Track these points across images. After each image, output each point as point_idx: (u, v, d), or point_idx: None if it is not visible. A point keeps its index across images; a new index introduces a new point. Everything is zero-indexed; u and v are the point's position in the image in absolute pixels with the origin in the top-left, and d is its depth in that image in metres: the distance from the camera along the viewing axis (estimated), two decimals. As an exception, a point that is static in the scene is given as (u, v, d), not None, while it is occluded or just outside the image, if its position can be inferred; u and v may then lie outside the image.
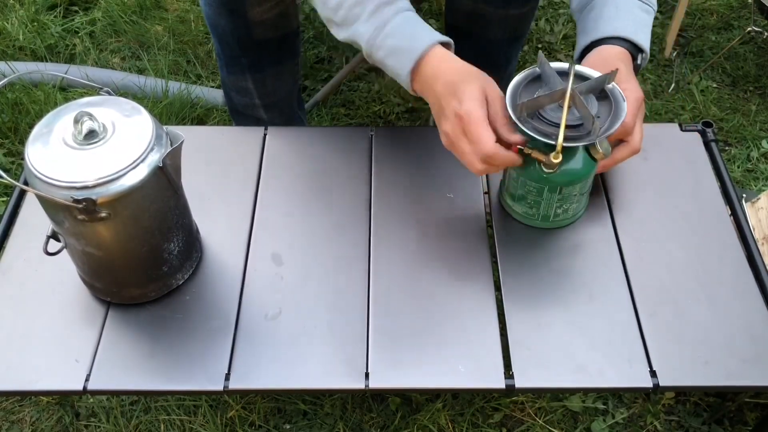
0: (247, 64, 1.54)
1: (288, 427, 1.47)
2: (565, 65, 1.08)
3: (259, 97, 1.61)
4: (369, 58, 1.13)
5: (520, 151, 1.05)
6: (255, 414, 1.48)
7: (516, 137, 1.05)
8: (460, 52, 1.66)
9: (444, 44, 1.11)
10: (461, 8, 1.57)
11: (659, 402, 1.49)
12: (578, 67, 1.08)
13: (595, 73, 1.08)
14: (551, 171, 1.05)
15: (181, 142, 0.97)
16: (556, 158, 1.01)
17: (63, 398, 1.49)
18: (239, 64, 1.54)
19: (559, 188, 1.09)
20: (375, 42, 1.10)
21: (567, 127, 1.00)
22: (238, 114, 1.69)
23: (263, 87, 1.60)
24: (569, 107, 1.02)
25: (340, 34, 1.14)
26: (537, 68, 1.09)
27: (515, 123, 1.02)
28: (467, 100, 1.03)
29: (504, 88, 1.08)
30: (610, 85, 1.07)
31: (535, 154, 1.04)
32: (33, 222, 1.17)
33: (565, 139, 1.00)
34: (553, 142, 1.00)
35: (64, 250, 1.04)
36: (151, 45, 2.25)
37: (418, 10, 2.19)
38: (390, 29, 1.09)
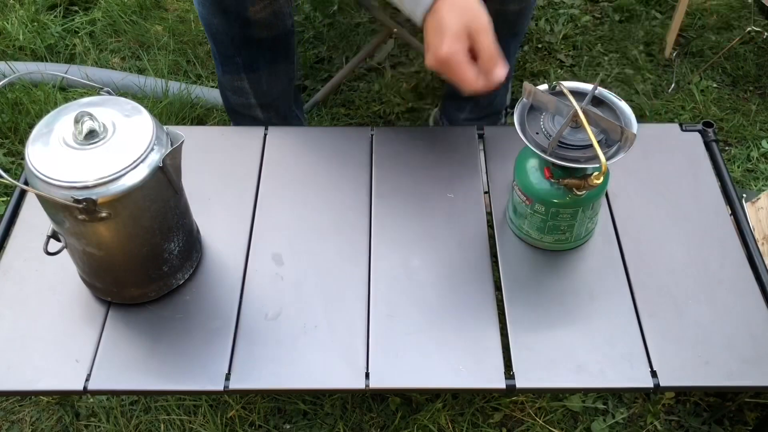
0: (242, 64, 1.54)
1: (288, 427, 1.47)
2: (546, 87, 1.08)
3: (255, 96, 1.61)
4: None
5: (539, 185, 1.05)
6: (255, 414, 1.47)
7: (503, 71, 1.05)
8: None
9: None
10: None
11: (659, 402, 1.49)
12: (564, 84, 1.07)
13: (580, 85, 1.08)
14: (585, 192, 1.04)
15: (182, 142, 0.97)
16: (598, 179, 0.99)
17: (63, 398, 1.49)
18: (234, 64, 1.54)
19: (592, 204, 1.08)
20: None
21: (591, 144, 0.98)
22: (235, 113, 1.69)
23: (259, 86, 1.60)
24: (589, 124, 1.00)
25: None
26: (526, 99, 1.08)
27: (549, 162, 1.02)
28: (447, 41, 1.04)
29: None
30: (597, 90, 1.07)
31: (571, 183, 1.03)
32: (33, 222, 1.17)
33: (605, 156, 0.98)
34: (595, 165, 0.99)
35: (65, 250, 1.04)
36: (151, 45, 2.25)
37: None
38: None
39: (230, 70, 1.56)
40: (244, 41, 1.48)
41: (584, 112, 1.00)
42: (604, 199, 1.19)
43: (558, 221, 1.09)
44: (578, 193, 1.03)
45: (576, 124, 1.02)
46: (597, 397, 1.49)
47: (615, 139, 1.02)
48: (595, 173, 1.00)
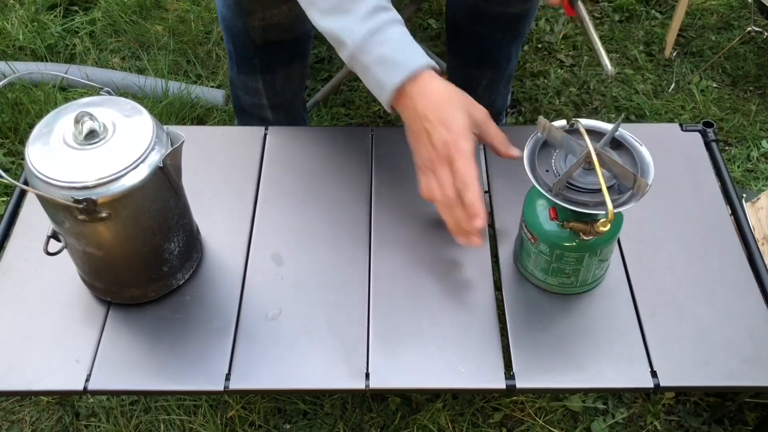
0: (259, 65, 1.54)
1: (288, 427, 1.47)
2: (563, 123, 1.02)
3: (267, 97, 1.61)
4: (351, 58, 1.07)
5: (545, 225, 1.01)
6: (255, 414, 1.48)
7: (516, 151, 1.04)
8: (462, 51, 1.67)
9: (435, 71, 1.06)
10: (462, 5, 1.57)
11: (659, 402, 1.49)
12: (584, 122, 1.00)
13: (599, 124, 1.02)
14: (592, 237, 0.99)
15: (182, 142, 0.97)
16: (604, 226, 0.93)
17: (63, 398, 1.49)
18: (251, 65, 1.54)
19: (600, 250, 1.03)
20: (366, 45, 1.04)
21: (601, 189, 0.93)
22: (243, 112, 1.69)
23: (272, 88, 1.60)
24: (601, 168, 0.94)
25: (321, 22, 1.07)
26: (540, 134, 1.02)
27: (554, 203, 0.96)
28: (455, 130, 1.01)
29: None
30: (618, 132, 1.01)
31: (576, 227, 0.98)
32: (33, 222, 1.17)
33: (613, 204, 0.92)
34: (600, 212, 0.95)
35: (65, 250, 1.04)
36: (151, 45, 2.25)
37: (418, 10, 2.19)
38: (384, 37, 1.04)
39: (246, 71, 1.56)
40: (264, 43, 1.49)
41: (598, 155, 0.94)
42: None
43: (562, 264, 1.04)
44: (585, 238, 0.99)
45: (589, 166, 0.96)
46: (597, 397, 1.49)
47: (628, 186, 0.96)
48: (602, 220, 0.94)
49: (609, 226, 0.93)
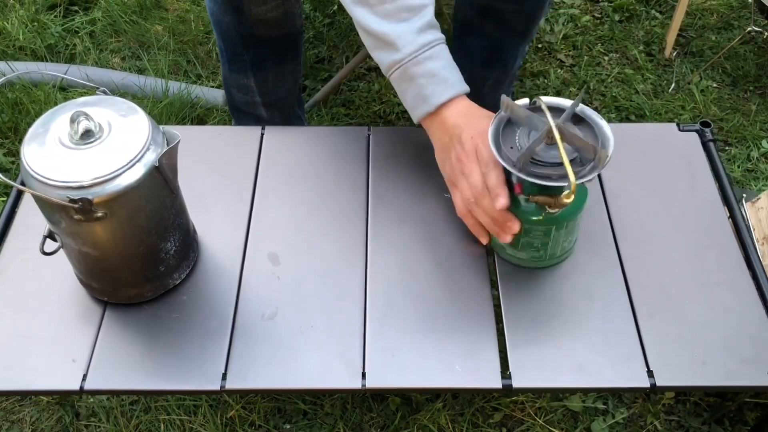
0: (250, 62, 1.54)
1: (288, 427, 1.47)
2: (526, 101, 1.06)
3: (260, 95, 1.61)
4: (397, 65, 1.11)
5: (513, 201, 1.04)
6: (255, 414, 1.48)
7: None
8: (470, 50, 1.67)
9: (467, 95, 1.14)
10: (474, 3, 1.57)
11: (659, 402, 1.49)
12: (546, 99, 1.04)
13: (561, 101, 1.06)
14: (558, 210, 1.02)
15: (177, 142, 0.97)
16: (568, 198, 0.96)
17: (63, 398, 1.49)
18: (242, 62, 1.54)
19: (566, 223, 1.06)
20: (419, 57, 1.09)
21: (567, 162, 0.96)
22: (238, 111, 1.69)
23: (265, 85, 1.60)
24: (562, 142, 0.97)
25: (373, 23, 1.11)
26: (504, 112, 1.06)
27: (519, 177, 1.00)
28: (483, 130, 1.05)
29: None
30: (579, 107, 1.05)
31: (541, 200, 1.01)
32: (30, 222, 1.17)
33: (575, 175, 0.96)
34: (563, 184, 0.97)
35: (61, 250, 1.04)
36: (151, 45, 2.25)
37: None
38: (436, 53, 1.10)
39: (237, 68, 1.57)
40: (253, 40, 1.49)
41: (559, 129, 0.97)
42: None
43: (531, 238, 1.07)
44: (551, 211, 1.02)
45: (551, 141, 1.00)
46: (597, 397, 1.49)
47: (589, 158, 1.00)
48: (566, 192, 0.96)
49: (572, 197, 0.96)
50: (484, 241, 1.13)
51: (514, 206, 1.05)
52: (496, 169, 1.04)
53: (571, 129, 1.02)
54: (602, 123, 1.03)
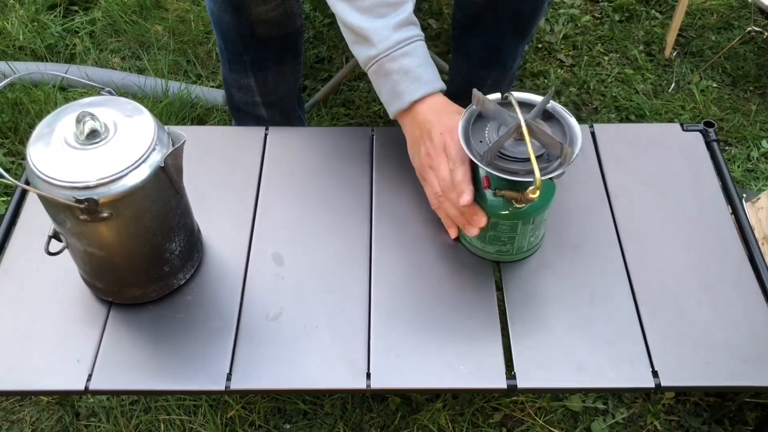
0: (250, 62, 1.54)
1: (288, 427, 1.47)
2: (498, 96, 1.08)
3: (260, 94, 1.61)
4: (372, 60, 1.13)
5: (481, 195, 1.05)
6: (255, 414, 1.48)
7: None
8: (469, 50, 1.66)
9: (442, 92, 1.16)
10: (474, 3, 1.57)
11: (659, 402, 1.49)
12: (518, 95, 1.06)
13: (532, 97, 1.07)
14: (524, 205, 1.03)
15: (183, 142, 0.97)
16: (533, 193, 0.98)
17: (63, 398, 1.49)
18: (241, 62, 1.54)
19: (533, 218, 1.07)
20: (394, 53, 1.11)
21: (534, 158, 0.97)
22: (238, 111, 1.69)
23: (265, 85, 1.60)
24: (530, 138, 0.98)
25: (350, 17, 1.13)
26: (474, 106, 1.07)
27: (486, 171, 1.02)
28: (453, 125, 1.07)
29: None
30: (549, 104, 1.06)
31: (508, 194, 1.02)
32: (35, 222, 1.17)
33: (541, 171, 0.98)
34: (529, 179, 0.98)
35: (66, 250, 1.04)
36: (151, 45, 2.25)
37: (418, 10, 2.19)
38: (412, 50, 1.11)
39: (237, 68, 1.57)
40: (253, 40, 1.49)
41: (527, 125, 0.98)
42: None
43: (498, 232, 1.08)
44: (517, 206, 1.03)
45: (519, 136, 1.00)
46: (597, 397, 1.49)
47: (556, 155, 1.00)
48: (531, 187, 0.97)
49: (538, 193, 0.97)
50: (453, 234, 1.15)
51: (481, 200, 1.06)
52: (463, 165, 1.06)
53: (540, 125, 1.02)
54: (572, 121, 1.05)
